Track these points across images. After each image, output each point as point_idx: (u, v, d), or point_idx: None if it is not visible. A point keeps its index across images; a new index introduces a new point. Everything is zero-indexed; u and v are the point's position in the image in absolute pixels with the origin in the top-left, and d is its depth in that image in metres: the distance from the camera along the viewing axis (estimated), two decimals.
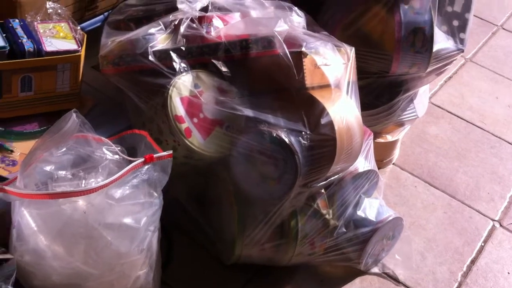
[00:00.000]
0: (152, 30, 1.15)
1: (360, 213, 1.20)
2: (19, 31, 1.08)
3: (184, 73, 1.12)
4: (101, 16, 1.38)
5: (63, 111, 1.15)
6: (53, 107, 1.14)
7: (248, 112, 1.08)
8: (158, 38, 1.15)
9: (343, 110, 1.10)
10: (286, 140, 1.06)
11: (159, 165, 0.99)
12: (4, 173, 1.03)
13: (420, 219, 1.47)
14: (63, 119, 0.94)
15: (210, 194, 1.22)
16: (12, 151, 1.07)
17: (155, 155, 0.98)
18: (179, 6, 1.19)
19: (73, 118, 0.94)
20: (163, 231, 1.06)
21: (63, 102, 1.15)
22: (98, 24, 1.37)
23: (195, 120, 1.10)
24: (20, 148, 1.08)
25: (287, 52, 1.09)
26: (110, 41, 1.18)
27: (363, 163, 1.21)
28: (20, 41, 1.05)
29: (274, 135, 1.06)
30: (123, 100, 1.20)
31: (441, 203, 1.53)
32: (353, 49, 1.20)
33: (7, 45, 1.05)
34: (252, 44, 1.14)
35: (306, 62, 1.09)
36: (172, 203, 1.14)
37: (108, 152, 1.00)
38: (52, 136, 0.94)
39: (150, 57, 1.11)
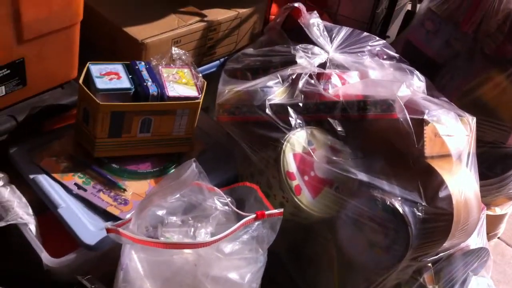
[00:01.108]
0: (270, 83, 1.16)
1: None
2: (145, 74, 1.10)
3: (298, 129, 1.11)
4: (217, 62, 1.40)
5: (175, 154, 1.18)
6: (166, 149, 1.16)
7: (362, 176, 1.05)
8: (276, 91, 1.15)
9: (462, 183, 1.05)
10: (400, 210, 1.02)
11: (268, 222, 0.97)
12: (116, 212, 1.04)
13: None
14: (182, 167, 0.95)
15: (309, 251, 1.19)
16: (125, 189, 1.08)
17: (266, 212, 0.96)
18: (298, 60, 1.19)
19: (192, 168, 0.94)
20: None
21: (176, 145, 1.16)
22: (214, 69, 1.39)
23: (306, 178, 1.08)
24: (132, 188, 1.10)
25: (408, 118, 1.06)
26: (227, 90, 1.19)
27: (475, 239, 1.15)
28: (145, 84, 1.08)
29: (388, 203, 1.03)
30: (232, 147, 1.21)
31: None
32: (475, 119, 1.15)
33: (133, 87, 1.08)
34: (371, 105, 1.11)
35: (427, 130, 1.06)
36: (270, 256, 1.12)
37: (219, 202, 1.00)
38: (170, 183, 0.95)
39: (267, 110, 1.10)
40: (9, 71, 1.05)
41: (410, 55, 1.35)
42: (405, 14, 1.76)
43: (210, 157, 1.21)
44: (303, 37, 1.29)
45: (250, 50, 1.30)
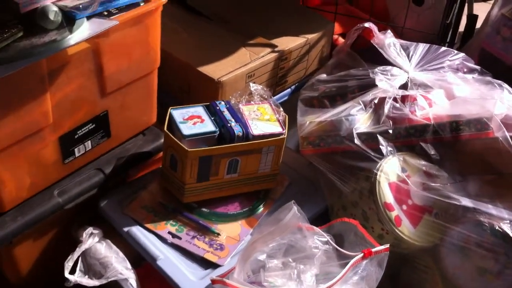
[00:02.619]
0: (353, 111, 1.12)
1: None
2: (227, 114, 1.08)
3: (390, 156, 1.07)
4: (288, 90, 1.37)
5: (262, 191, 1.15)
6: (253, 187, 1.13)
7: (466, 202, 1.00)
8: (360, 119, 1.11)
9: None
10: (511, 233, 0.97)
11: (375, 259, 0.94)
12: (214, 259, 1.02)
13: None
14: (282, 210, 0.92)
15: (406, 278, 1.15)
16: (218, 234, 1.06)
17: (373, 250, 0.93)
18: (379, 84, 1.15)
19: (293, 211, 0.91)
20: None
21: (262, 183, 1.14)
22: (286, 98, 1.36)
23: (404, 207, 1.04)
24: (225, 231, 1.07)
25: (508, 136, 1.01)
26: (308, 121, 1.16)
27: None
28: (229, 125, 1.06)
29: (496, 227, 0.98)
30: (316, 179, 1.18)
31: None
32: None
33: (217, 129, 1.06)
34: (464, 125, 1.07)
35: None
36: None
37: (319, 242, 0.97)
38: (271, 228, 0.92)
39: (356, 140, 1.07)
40: (94, 125, 1.05)
41: (487, 64, 1.30)
42: (468, 18, 1.70)
43: (296, 191, 1.18)
44: (376, 57, 1.25)
45: (323, 76, 1.27)
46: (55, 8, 0.87)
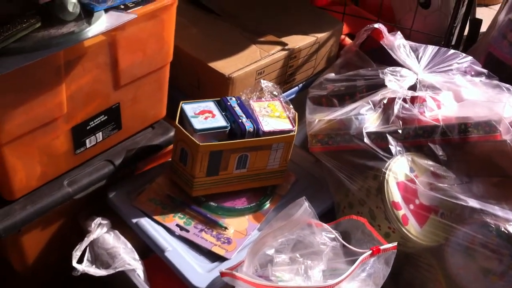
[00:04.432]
0: (363, 110, 1.13)
1: None
2: (238, 110, 1.09)
3: (398, 156, 1.08)
4: (296, 88, 1.38)
5: (269, 187, 1.16)
6: (260, 183, 1.14)
7: (473, 203, 1.01)
8: (370, 118, 1.13)
9: None
10: None
11: (383, 257, 0.95)
12: (221, 252, 1.03)
13: None
14: (293, 206, 0.93)
15: (409, 276, 1.16)
16: (226, 228, 1.07)
17: (381, 247, 0.94)
18: (388, 84, 1.17)
19: (304, 206, 0.92)
20: None
21: (270, 179, 1.15)
22: (293, 95, 1.37)
23: (411, 206, 1.06)
24: (232, 225, 1.08)
25: None
26: (317, 119, 1.17)
27: None
28: (240, 121, 1.07)
29: (502, 229, 0.99)
30: (322, 176, 1.19)
31: None
32: None
33: (229, 124, 1.07)
34: (472, 128, 1.08)
35: None
36: None
37: (327, 238, 0.98)
38: (281, 223, 0.93)
39: (365, 139, 1.08)
40: (106, 117, 1.06)
41: (494, 68, 1.31)
42: (471, 23, 1.71)
43: (302, 187, 1.19)
44: (383, 58, 1.26)
45: (331, 75, 1.28)
46: (73, 0, 0.88)
